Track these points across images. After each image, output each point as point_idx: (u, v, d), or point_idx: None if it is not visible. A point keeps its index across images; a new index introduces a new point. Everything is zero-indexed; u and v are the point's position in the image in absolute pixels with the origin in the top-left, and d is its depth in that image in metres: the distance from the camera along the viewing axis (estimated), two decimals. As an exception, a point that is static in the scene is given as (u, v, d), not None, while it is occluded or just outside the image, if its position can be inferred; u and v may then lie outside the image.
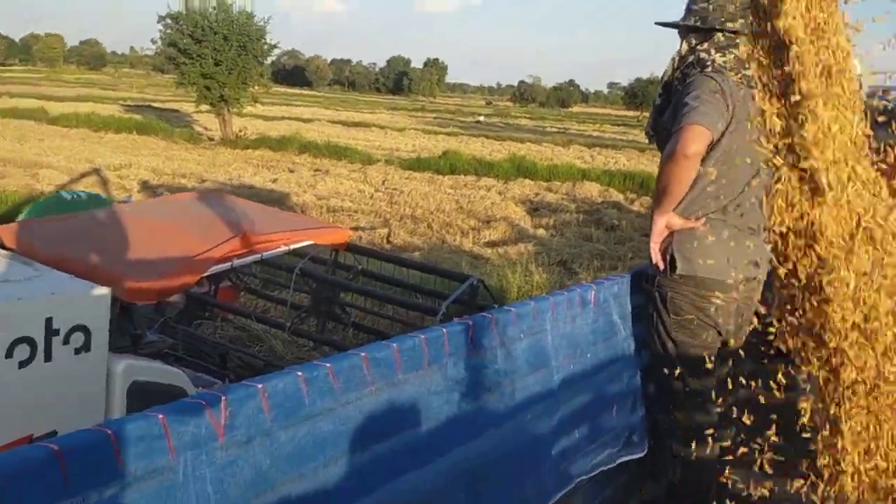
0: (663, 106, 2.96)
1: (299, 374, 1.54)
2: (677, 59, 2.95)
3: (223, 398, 1.40)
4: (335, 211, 13.28)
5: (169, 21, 25.58)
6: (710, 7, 2.86)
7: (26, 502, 1.17)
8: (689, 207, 2.76)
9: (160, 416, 1.31)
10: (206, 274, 4.21)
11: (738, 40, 2.75)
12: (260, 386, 1.46)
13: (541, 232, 12.43)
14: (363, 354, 1.69)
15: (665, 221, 2.72)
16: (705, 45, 2.83)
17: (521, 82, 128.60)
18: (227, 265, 4.27)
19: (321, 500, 1.60)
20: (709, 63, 2.76)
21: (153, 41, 27.10)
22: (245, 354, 4.84)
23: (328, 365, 1.60)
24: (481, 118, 56.77)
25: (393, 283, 6.13)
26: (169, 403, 1.36)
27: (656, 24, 2.99)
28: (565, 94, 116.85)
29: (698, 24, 2.87)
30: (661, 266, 2.74)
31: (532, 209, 14.75)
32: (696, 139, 2.59)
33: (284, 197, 14.10)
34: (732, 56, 2.75)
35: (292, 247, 4.70)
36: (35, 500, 1.18)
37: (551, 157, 25.18)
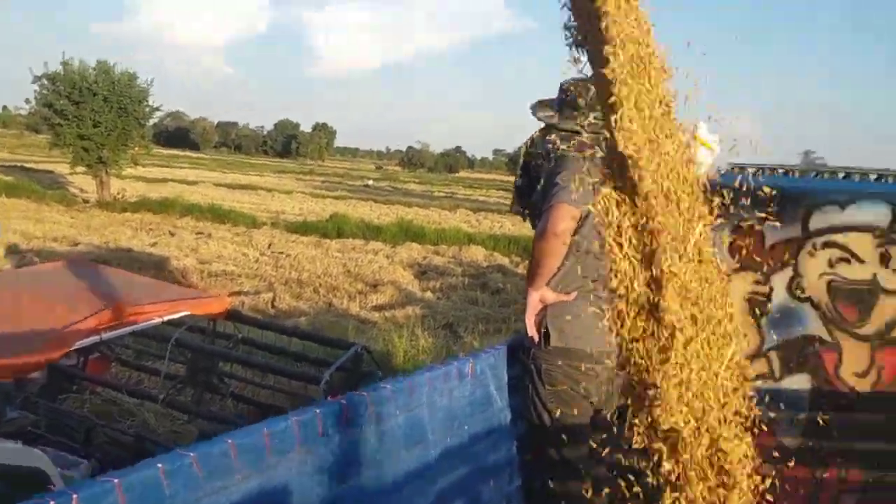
0: (524, 186, 3.09)
1: (159, 465, 1.48)
2: (530, 141, 3.11)
3: (74, 496, 1.32)
4: (217, 275, 12.95)
5: (45, 81, 24.68)
6: (568, 99, 3.03)
7: None
8: (561, 282, 2.85)
9: (2, 518, 1.23)
10: (70, 349, 4.02)
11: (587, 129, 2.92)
12: (116, 481, 1.39)
13: (428, 295, 12.50)
14: (230, 441, 1.64)
15: (539, 296, 2.80)
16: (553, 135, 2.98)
17: (410, 147, 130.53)
18: (95, 338, 4.10)
19: None
20: (563, 146, 2.90)
21: (27, 101, 26.11)
22: (113, 430, 4.59)
23: (192, 454, 1.55)
24: (370, 182, 57.12)
25: (275, 352, 6.01)
26: (14, 504, 1.28)
27: (530, 109, 3.14)
28: (452, 160, 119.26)
29: (552, 118, 3.04)
30: (536, 338, 2.82)
31: (420, 272, 14.84)
32: (564, 217, 2.70)
33: (164, 261, 13.64)
34: (575, 142, 2.90)
35: (167, 318, 4.56)
36: None
37: (439, 221, 25.55)
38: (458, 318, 10.51)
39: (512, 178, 3.49)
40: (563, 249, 2.75)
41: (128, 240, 16.51)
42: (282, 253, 16.08)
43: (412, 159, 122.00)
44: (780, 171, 4.25)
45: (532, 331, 2.81)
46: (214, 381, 5.56)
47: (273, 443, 1.74)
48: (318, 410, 1.91)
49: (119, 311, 4.24)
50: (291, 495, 1.82)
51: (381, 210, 29.90)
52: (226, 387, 5.62)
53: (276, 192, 36.56)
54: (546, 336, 2.81)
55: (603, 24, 1.67)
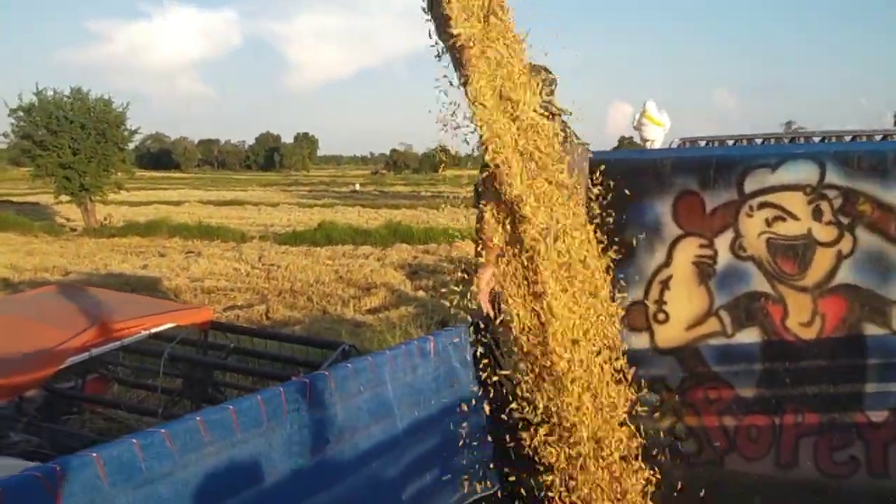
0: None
1: (134, 441, 1.66)
2: None
3: (58, 468, 1.51)
4: (210, 292, 13.10)
5: (21, 114, 24.75)
6: None
7: None
8: None
9: (-4, 490, 1.41)
10: (63, 366, 4.19)
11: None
12: (94, 454, 1.57)
13: (420, 294, 12.66)
14: (199, 418, 1.82)
15: (489, 274, 2.98)
16: None
17: (394, 150, 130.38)
18: (85, 355, 4.26)
19: (166, 561, 1.71)
20: None
21: (5, 135, 26.15)
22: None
23: (163, 430, 1.73)
24: (357, 187, 57.16)
25: (267, 358, 6.19)
26: (5, 477, 1.46)
27: None
28: (436, 159, 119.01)
29: None
30: (491, 313, 3.00)
31: (411, 273, 15.00)
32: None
33: (156, 282, 13.79)
34: None
35: (153, 330, 4.73)
36: None
37: (427, 221, 25.67)
38: (452, 315, 10.66)
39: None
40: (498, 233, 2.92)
41: (118, 264, 16.64)
42: (273, 265, 16.22)
43: (396, 162, 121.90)
44: (730, 142, 4.45)
45: (486, 307, 3.00)
46: (210, 392, 5.73)
47: (240, 419, 1.92)
48: (281, 389, 2.09)
49: (106, 328, 4.40)
50: (262, 468, 2.00)
51: (368, 214, 30.03)
52: (222, 396, 5.80)
53: (263, 205, 36.67)
54: (499, 310, 2.99)
55: None
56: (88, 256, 18.15)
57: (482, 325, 3.16)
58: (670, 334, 3.46)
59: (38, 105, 24.75)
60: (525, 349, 2.64)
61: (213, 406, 5.44)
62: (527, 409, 2.75)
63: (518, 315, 2.51)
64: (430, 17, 2.59)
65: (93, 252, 19.18)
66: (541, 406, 2.67)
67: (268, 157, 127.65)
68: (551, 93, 3.07)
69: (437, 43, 2.52)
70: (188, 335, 5.74)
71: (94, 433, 5.45)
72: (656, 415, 3.39)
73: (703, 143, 4.39)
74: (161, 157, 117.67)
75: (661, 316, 3.47)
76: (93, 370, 5.70)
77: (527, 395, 2.75)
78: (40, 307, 5.13)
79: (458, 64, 2.23)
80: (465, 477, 3.00)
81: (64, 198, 25.87)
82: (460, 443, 2.96)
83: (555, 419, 2.68)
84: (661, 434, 3.37)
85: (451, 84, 2.39)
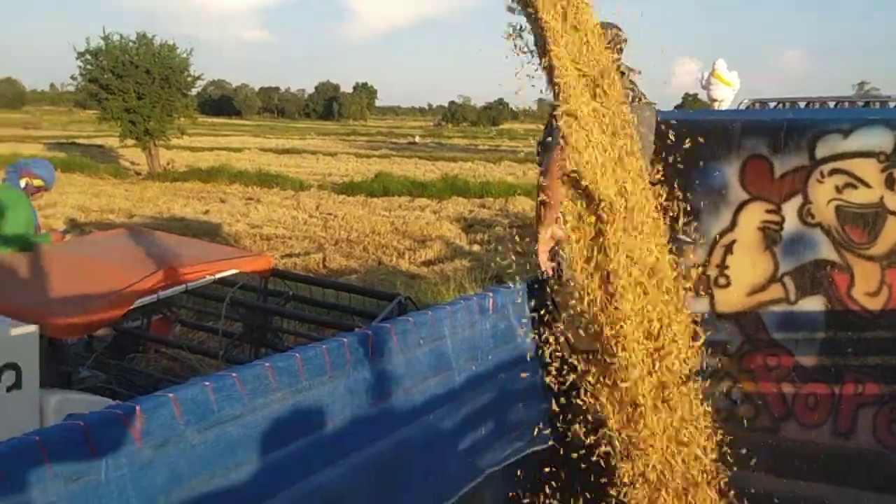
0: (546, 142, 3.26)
1: (207, 383, 1.74)
2: None
3: (137, 407, 1.59)
4: (269, 238, 13.35)
5: (88, 57, 25.23)
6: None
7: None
8: None
9: (81, 423, 1.49)
10: (132, 307, 4.34)
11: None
12: (171, 395, 1.65)
13: (476, 248, 12.70)
14: (267, 364, 1.89)
15: (549, 233, 2.99)
16: None
17: (452, 102, 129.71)
18: (153, 297, 4.41)
19: (233, 499, 1.80)
20: None
21: (73, 77, 26.71)
22: (177, 385, 4.94)
23: (234, 374, 1.80)
24: (416, 139, 57.15)
25: (325, 307, 6.32)
26: (88, 413, 1.55)
27: None
28: (495, 113, 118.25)
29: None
30: (550, 272, 3.01)
31: (466, 226, 15.04)
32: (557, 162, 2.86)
33: (217, 228, 14.10)
34: None
35: (217, 276, 4.85)
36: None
37: (483, 175, 25.59)
38: (507, 270, 10.68)
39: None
40: (561, 191, 2.91)
41: (181, 208, 17.04)
42: (330, 214, 16.43)
43: (455, 114, 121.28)
44: (802, 104, 4.33)
45: (545, 265, 3.01)
46: (269, 337, 5.90)
47: (306, 367, 1.98)
48: (345, 339, 2.15)
49: (173, 271, 4.54)
50: (324, 414, 2.07)
51: (425, 167, 30.06)
52: (280, 341, 5.96)
53: (321, 154, 36.96)
54: (559, 268, 3.01)
55: None
56: (152, 200, 18.62)
57: (540, 284, 3.18)
58: (731, 299, 3.43)
59: (104, 49, 25.20)
60: (588, 329, 2.63)
61: (274, 351, 5.62)
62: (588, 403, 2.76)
63: (583, 282, 2.50)
64: None
65: (156, 196, 19.67)
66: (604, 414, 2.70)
67: (327, 105, 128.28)
68: (620, 51, 3.03)
69: None
70: (248, 280, 5.90)
71: (159, 372, 5.68)
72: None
73: (773, 105, 4.28)
74: (222, 104, 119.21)
75: (722, 280, 3.44)
76: (157, 311, 5.91)
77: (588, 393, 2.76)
78: (111, 249, 5.30)
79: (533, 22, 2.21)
80: (518, 431, 3.05)
81: (129, 141, 26.46)
82: (516, 398, 3.00)
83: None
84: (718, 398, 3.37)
85: (521, 36, 2.35)
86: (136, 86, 24.94)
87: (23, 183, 5.81)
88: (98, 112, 26.95)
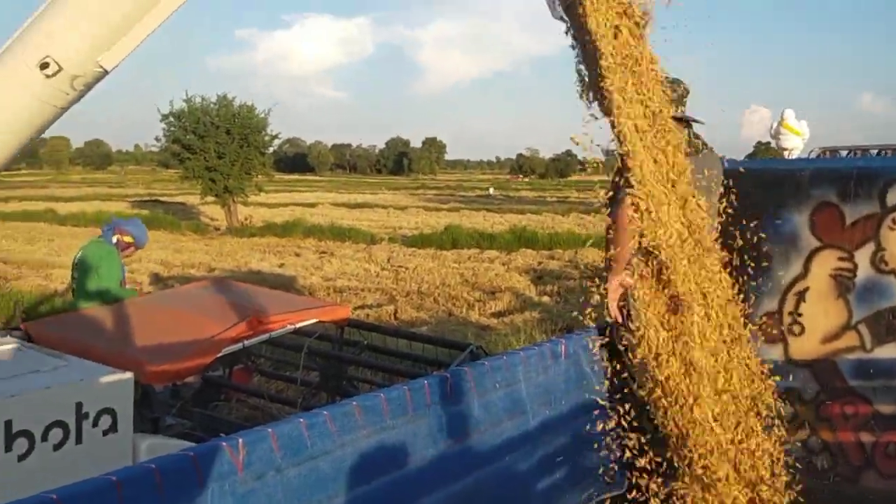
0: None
1: (301, 420, 1.88)
2: None
3: (240, 440, 1.73)
4: (342, 291, 13.61)
5: (171, 119, 26.41)
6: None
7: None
8: None
9: (192, 454, 1.64)
10: (219, 355, 4.54)
11: None
12: (270, 430, 1.79)
13: (545, 299, 12.68)
14: (354, 403, 2.02)
15: (618, 281, 3.07)
16: None
17: (520, 155, 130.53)
18: (238, 346, 4.61)
19: (326, 530, 1.92)
20: None
21: (157, 139, 27.96)
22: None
23: (325, 412, 1.94)
24: (491, 191, 57.64)
25: (398, 356, 6.44)
26: (199, 445, 1.70)
27: None
28: (563, 164, 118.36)
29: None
30: (620, 320, 3.08)
31: (536, 278, 15.03)
32: (627, 211, 2.93)
33: (291, 280, 14.46)
34: None
35: (298, 325, 5.03)
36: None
37: (552, 226, 25.60)
38: (577, 320, 10.64)
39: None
40: (631, 239, 2.99)
41: (257, 262, 17.54)
42: (401, 266, 16.67)
43: (522, 166, 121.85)
44: (873, 151, 4.32)
45: (615, 313, 3.08)
46: (345, 385, 6.04)
47: (390, 407, 2.11)
48: (426, 381, 2.27)
49: (256, 321, 4.74)
50: (407, 453, 2.18)
51: (494, 219, 30.24)
52: (356, 390, 6.09)
53: (392, 208, 37.58)
54: (628, 316, 3.07)
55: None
56: (230, 254, 19.22)
57: (610, 331, 3.24)
58: (806, 347, 3.42)
59: (187, 111, 26.36)
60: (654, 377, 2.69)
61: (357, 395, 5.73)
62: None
63: (650, 331, 2.58)
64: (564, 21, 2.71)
65: (234, 250, 20.28)
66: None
67: (397, 160, 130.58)
68: (683, 103, 3.13)
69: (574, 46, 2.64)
70: (324, 331, 6.08)
71: (240, 420, 5.86)
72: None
73: (843, 153, 4.28)
74: (297, 161, 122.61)
75: (796, 328, 3.44)
76: (238, 360, 6.13)
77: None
78: (196, 300, 5.56)
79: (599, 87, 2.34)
80: (591, 477, 3.09)
81: (209, 198, 27.41)
82: (589, 443, 3.05)
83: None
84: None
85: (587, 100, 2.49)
86: (217, 146, 25.90)
87: (114, 239, 6.12)
88: (180, 171, 28.06)
